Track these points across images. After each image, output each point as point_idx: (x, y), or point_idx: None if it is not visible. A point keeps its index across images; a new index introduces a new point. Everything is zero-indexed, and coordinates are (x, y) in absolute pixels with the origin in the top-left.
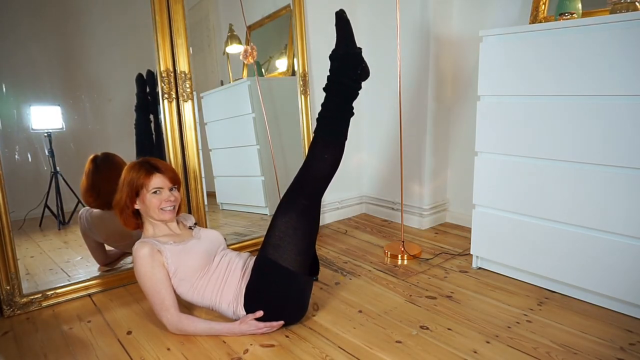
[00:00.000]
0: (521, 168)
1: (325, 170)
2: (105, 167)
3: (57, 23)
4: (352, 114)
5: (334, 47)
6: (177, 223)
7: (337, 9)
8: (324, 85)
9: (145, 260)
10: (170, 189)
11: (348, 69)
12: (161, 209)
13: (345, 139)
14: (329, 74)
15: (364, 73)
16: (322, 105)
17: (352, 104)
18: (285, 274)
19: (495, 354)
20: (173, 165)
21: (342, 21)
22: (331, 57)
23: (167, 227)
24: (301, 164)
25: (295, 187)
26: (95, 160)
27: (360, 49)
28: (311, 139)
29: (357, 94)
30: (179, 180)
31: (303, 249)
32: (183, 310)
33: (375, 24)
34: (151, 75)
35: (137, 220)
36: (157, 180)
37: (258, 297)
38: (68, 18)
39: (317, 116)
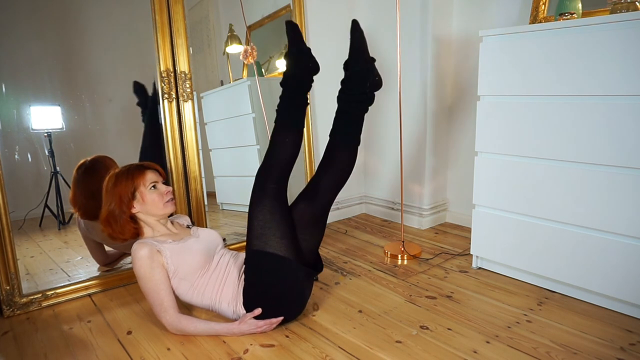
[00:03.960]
0: (521, 168)
1: (282, 155)
2: (87, 177)
3: (57, 23)
4: (307, 104)
5: (347, 54)
6: (173, 223)
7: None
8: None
9: (144, 261)
10: (163, 182)
11: (364, 80)
12: (165, 202)
13: (302, 127)
14: (344, 81)
15: (378, 84)
16: (280, 97)
17: (305, 94)
18: (274, 260)
19: (495, 354)
20: (173, 165)
21: (356, 30)
22: (287, 55)
23: (166, 228)
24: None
25: (262, 175)
26: (79, 169)
27: (374, 60)
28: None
29: (310, 86)
30: (165, 175)
31: (285, 232)
32: (182, 311)
33: (375, 24)
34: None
35: (134, 225)
36: (151, 175)
37: (255, 293)
38: (68, 18)
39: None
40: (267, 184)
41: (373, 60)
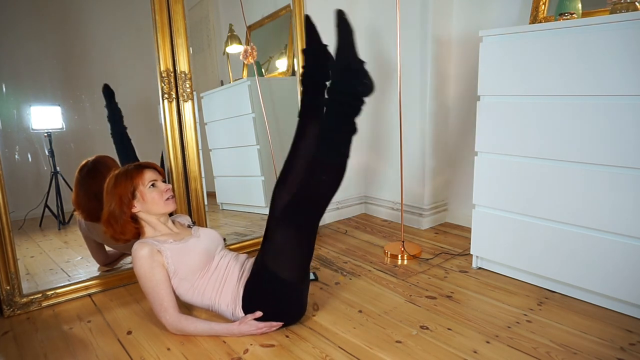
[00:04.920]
0: (521, 168)
1: (322, 192)
2: (90, 179)
3: (57, 23)
4: (355, 131)
5: (335, 52)
6: (174, 223)
7: (337, 9)
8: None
9: (144, 260)
10: (162, 181)
11: (349, 84)
12: (165, 200)
13: (347, 158)
14: (329, 85)
15: (367, 89)
16: (322, 120)
17: (353, 120)
18: (282, 284)
19: (495, 354)
20: (173, 165)
21: (344, 24)
22: (331, 68)
23: (167, 227)
24: None
25: (294, 204)
26: (81, 171)
27: (363, 62)
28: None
29: (360, 109)
30: (164, 173)
31: (302, 264)
32: (182, 311)
33: (375, 24)
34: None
35: (135, 225)
36: (150, 174)
37: (256, 301)
38: (68, 18)
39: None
40: (297, 216)
41: (363, 63)
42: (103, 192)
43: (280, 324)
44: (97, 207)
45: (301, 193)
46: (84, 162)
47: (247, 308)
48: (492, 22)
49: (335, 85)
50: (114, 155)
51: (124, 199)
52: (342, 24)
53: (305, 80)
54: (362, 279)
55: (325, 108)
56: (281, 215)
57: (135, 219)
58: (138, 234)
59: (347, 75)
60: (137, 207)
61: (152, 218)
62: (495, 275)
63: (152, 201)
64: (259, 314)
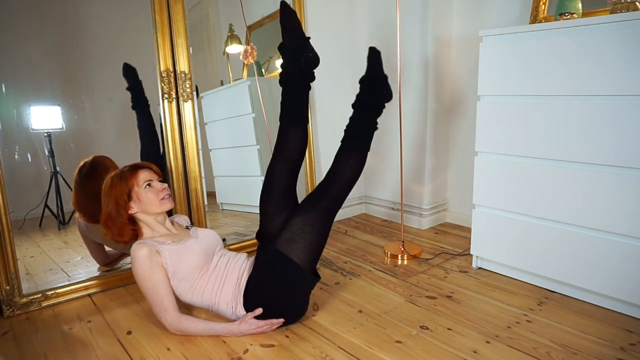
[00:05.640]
0: (521, 168)
1: (347, 175)
2: (89, 180)
3: (57, 22)
4: (376, 128)
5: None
6: (173, 224)
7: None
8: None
9: (143, 261)
10: (159, 180)
11: (377, 90)
12: (161, 199)
13: (369, 148)
14: (360, 90)
15: (311, 62)
16: (353, 115)
17: (376, 118)
18: (293, 268)
19: (495, 354)
20: (173, 165)
21: (287, 11)
22: (280, 49)
23: (165, 228)
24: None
25: (319, 190)
26: (80, 172)
27: (308, 38)
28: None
29: (381, 110)
30: (161, 173)
31: (315, 248)
32: (182, 311)
33: (376, 23)
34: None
35: (133, 227)
36: (145, 174)
37: (261, 292)
38: (68, 17)
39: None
40: (322, 200)
41: (308, 38)
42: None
43: (281, 321)
44: (97, 208)
45: (329, 177)
46: (81, 163)
47: (249, 303)
48: (492, 22)
49: (365, 90)
50: (114, 156)
51: (120, 201)
52: (286, 9)
53: (291, 82)
54: (362, 279)
55: (355, 106)
56: (307, 202)
57: (133, 220)
58: (136, 236)
59: (376, 83)
60: (134, 209)
61: (149, 219)
62: (495, 275)
63: (148, 201)
64: (258, 311)
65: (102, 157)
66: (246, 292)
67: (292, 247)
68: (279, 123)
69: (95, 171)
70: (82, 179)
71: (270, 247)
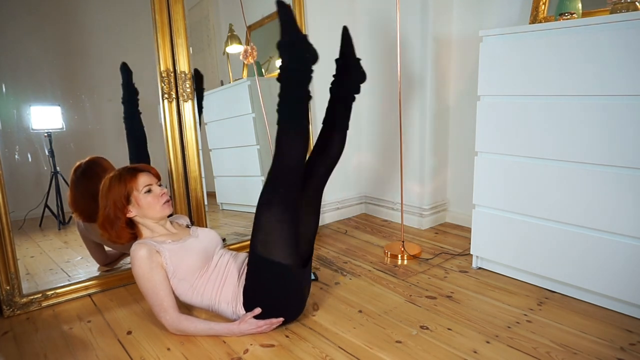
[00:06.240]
0: (521, 168)
1: (294, 158)
2: (84, 180)
3: (57, 22)
4: (310, 97)
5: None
6: (172, 223)
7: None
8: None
9: (143, 261)
10: (158, 185)
11: (299, 56)
12: (162, 205)
13: (308, 122)
14: (281, 63)
15: (313, 57)
16: (278, 95)
17: (307, 87)
18: (278, 269)
19: (495, 354)
20: (173, 166)
21: (284, 9)
22: (279, 46)
23: (164, 228)
24: None
25: (271, 180)
26: (76, 171)
27: (305, 35)
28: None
29: (311, 77)
30: (160, 175)
31: (292, 241)
32: (182, 311)
33: (375, 23)
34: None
35: (131, 230)
36: (144, 179)
37: (256, 296)
38: (68, 17)
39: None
40: (277, 190)
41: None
42: (99, 194)
43: (281, 320)
44: (94, 208)
45: (276, 165)
46: (77, 163)
47: (249, 304)
48: (492, 22)
49: (287, 60)
50: (114, 155)
51: (118, 204)
52: (282, 7)
53: (290, 79)
54: (362, 279)
55: (281, 79)
56: (263, 196)
57: (131, 223)
58: (134, 238)
59: (294, 49)
60: (133, 212)
61: (149, 222)
62: (495, 275)
63: (147, 206)
64: (257, 310)
65: (98, 157)
66: (245, 291)
67: (269, 249)
68: (294, 124)
69: (92, 170)
70: (78, 178)
71: (251, 253)
